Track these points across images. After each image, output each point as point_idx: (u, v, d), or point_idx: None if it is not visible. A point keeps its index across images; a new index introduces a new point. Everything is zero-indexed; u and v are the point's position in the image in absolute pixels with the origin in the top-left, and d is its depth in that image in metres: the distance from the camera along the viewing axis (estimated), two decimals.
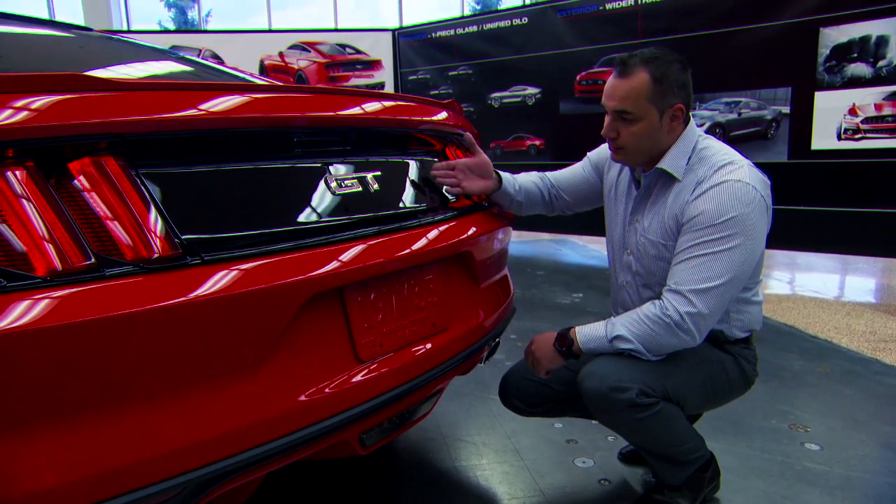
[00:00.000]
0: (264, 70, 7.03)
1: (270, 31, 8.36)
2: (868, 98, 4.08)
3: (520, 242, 6.63)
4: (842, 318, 3.76)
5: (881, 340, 3.31)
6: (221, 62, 6.07)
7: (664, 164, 1.58)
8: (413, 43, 6.74)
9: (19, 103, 0.87)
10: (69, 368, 0.86)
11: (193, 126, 1.08)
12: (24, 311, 0.81)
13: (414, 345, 1.40)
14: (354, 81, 6.96)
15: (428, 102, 1.70)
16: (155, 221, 0.97)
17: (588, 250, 6.21)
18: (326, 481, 1.96)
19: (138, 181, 0.97)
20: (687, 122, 1.60)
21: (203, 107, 1.09)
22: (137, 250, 0.94)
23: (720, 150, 1.57)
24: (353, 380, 1.22)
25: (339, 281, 1.20)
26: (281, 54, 7.03)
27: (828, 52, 4.18)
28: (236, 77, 1.87)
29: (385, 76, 6.97)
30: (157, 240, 0.96)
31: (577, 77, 5.46)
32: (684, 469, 1.68)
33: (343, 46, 7.01)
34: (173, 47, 5.29)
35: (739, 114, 4.62)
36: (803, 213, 4.42)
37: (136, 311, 0.89)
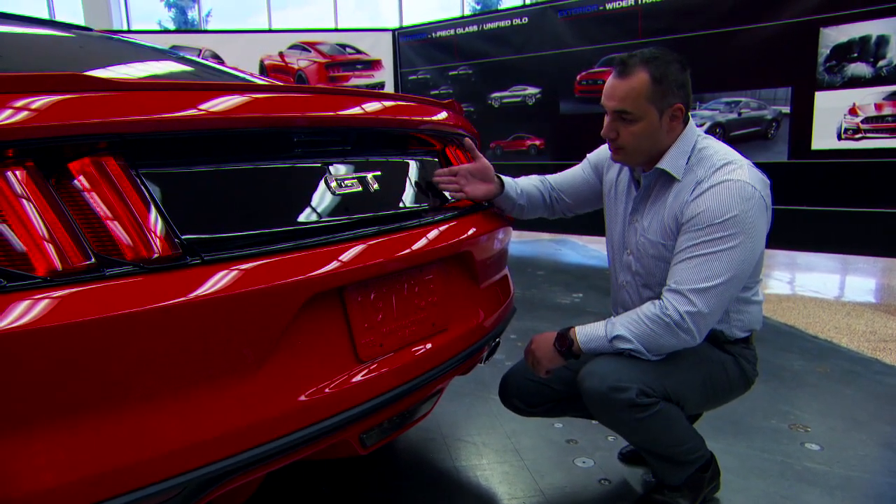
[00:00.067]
0: (264, 70, 7.03)
1: (270, 31, 8.36)
2: (868, 98, 4.08)
3: (520, 242, 6.63)
4: (842, 317, 3.76)
5: (881, 340, 3.31)
6: (221, 62, 6.07)
7: (664, 164, 1.58)
8: (413, 43, 6.74)
9: (19, 103, 0.87)
10: (69, 368, 0.86)
11: (193, 126, 1.08)
12: (25, 311, 0.81)
13: (414, 345, 1.40)
14: (354, 81, 6.96)
15: (428, 102, 1.70)
16: (155, 221, 0.97)
17: (588, 250, 6.21)
18: (326, 481, 1.96)
19: (138, 181, 0.97)
20: (686, 122, 1.60)
21: (203, 107, 1.09)
22: (137, 250, 0.94)
23: (719, 150, 1.57)
24: (354, 380, 1.22)
25: (339, 281, 1.20)
26: (281, 54, 7.03)
27: (828, 51, 4.18)
28: (236, 77, 1.87)
29: (385, 76, 6.97)
30: (157, 240, 0.96)
31: (578, 77, 5.46)
32: (684, 469, 1.68)
33: (343, 46, 7.01)
34: (173, 47, 5.29)
35: (739, 114, 4.62)
36: (803, 213, 4.42)
37: (136, 311, 0.89)
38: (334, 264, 1.18)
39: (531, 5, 5.91)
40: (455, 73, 6.40)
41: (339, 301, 1.25)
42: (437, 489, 1.93)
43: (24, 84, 0.90)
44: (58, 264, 0.86)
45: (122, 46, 1.93)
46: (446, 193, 1.68)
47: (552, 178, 1.92)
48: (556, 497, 1.84)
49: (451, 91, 6.38)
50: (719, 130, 4.64)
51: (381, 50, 6.93)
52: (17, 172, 0.86)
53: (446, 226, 1.55)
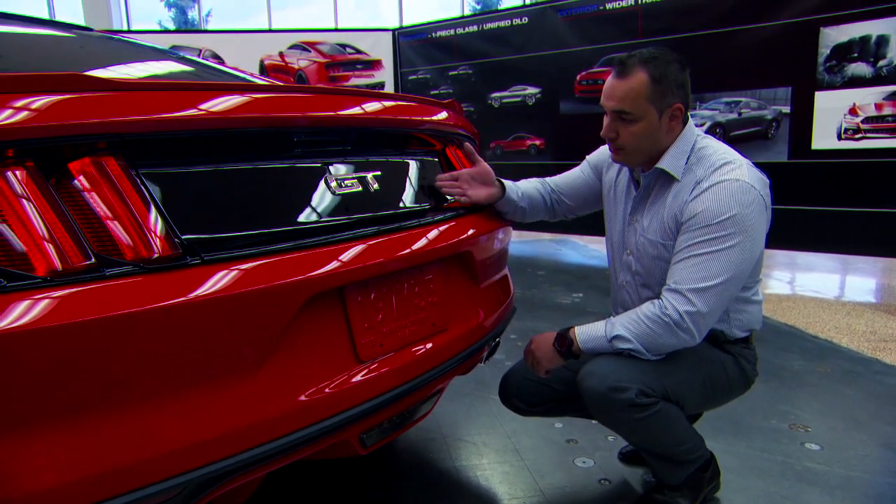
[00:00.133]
0: (264, 70, 7.03)
1: (270, 30, 8.36)
2: (868, 98, 4.08)
3: (520, 242, 6.63)
4: (842, 317, 3.76)
5: (881, 340, 3.31)
6: (222, 62, 6.07)
7: (663, 163, 1.58)
8: (413, 43, 6.74)
9: (20, 103, 0.87)
10: (69, 368, 0.86)
11: (194, 126, 1.08)
12: (25, 311, 0.81)
13: (414, 345, 1.40)
14: (354, 81, 6.96)
15: (428, 102, 1.70)
16: (155, 221, 0.97)
17: (588, 250, 6.21)
18: (326, 481, 1.96)
19: (138, 181, 0.97)
20: (685, 121, 1.60)
21: (203, 107, 1.09)
22: (137, 250, 0.94)
23: (719, 150, 1.57)
24: (354, 380, 1.22)
25: (339, 281, 1.20)
26: (281, 54, 7.03)
27: (828, 51, 4.18)
28: (236, 77, 1.87)
29: (385, 76, 6.97)
30: (157, 240, 0.96)
31: (578, 77, 5.46)
32: (684, 469, 1.68)
33: (343, 46, 7.01)
34: (173, 47, 5.30)
35: (740, 114, 4.62)
36: (803, 212, 4.42)
37: (136, 311, 0.89)
38: (334, 264, 1.18)
39: (531, 5, 5.91)
40: (455, 72, 6.40)
41: (339, 301, 1.25)
42: (437, 489, 1.93)
43: (25, 84, 0.90)
44: (58, 264, 0.86)
45: (122, 46, 1.93)
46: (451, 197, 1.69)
47: (552, 181, 1.93)
48: (556, 497, 1.84)
49: (451, 91, 6.38)
50: (719, 130, 4.64)
51: (382, 50, 6.94)
52: (17, 172, 0.86)
53: (446, 226, 1.55)
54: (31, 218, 0.85)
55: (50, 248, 0.86)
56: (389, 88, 6.95)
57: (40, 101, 0.89)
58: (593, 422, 1.76)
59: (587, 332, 1.58)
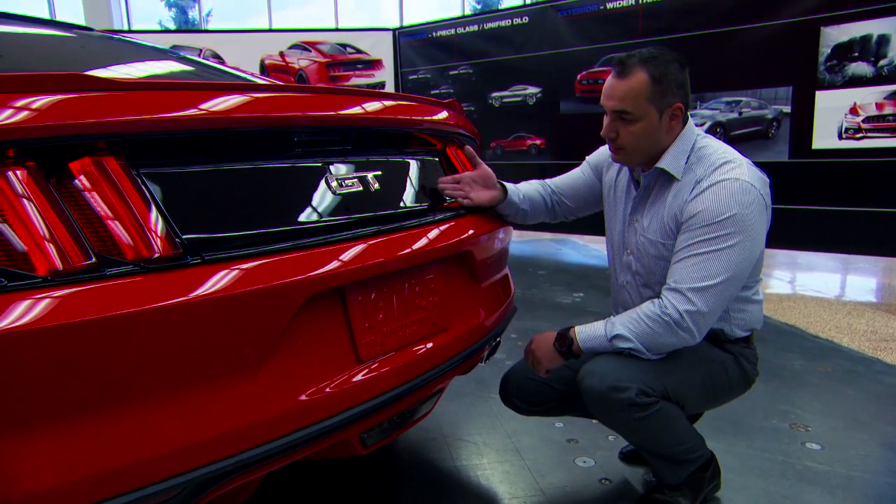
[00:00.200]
0: (265, 70, 7.03)
1: (271, 30, 8.36)
2: (869, 97, 4.08)
3: (521, 242, 6.63)
4: (843, 317, 3.76)
5: (882, 340, 3.31)
6: (222, 62, 6.07)
7: (663, 163, 1.58)
8: (413, 42, 6.74)
9: (20, 103, 0.87)
10: (69, 368, 0.86)
11: (194, 126, 1.08)
12: (25, 311, 0.81)
13: (415, 344, 1.40)
14: (355, 81, 6.96)
15: (428, 102, 1.70)
16: (155, 221, 0.97)
17: (589, 250, 6.20)
18: (326, 481, 1.96)
19: (139, 181, 0.97)
20: (685, 121, 1.60)
21: (204, 106, 1.09)
22: (138, 250, 0.94)
23: (718, 149, 1.57)
24: (354, 379, 1.22)
25: (339, 280, 1.20)
26: (282, 54, 7.03)
27: (829, 51, 4.18)
28: (237, 77, 1.87)
29: (386, 76, 6.97)
30: (158, 239, 0.96)
31: (578, 76, 5.46)
32: (684, 468, 1.68)
33: (344, 46, 7.01)
34: (174, 47, 5.29)
35: (740, 113, 4.61)
36: (804, 212, 4.41)
37: (136, 310, 0.89)
38: (335, 264, 1.18)
39: (532, 5, 5.91)
40: (455, 72, 6.40)
41: (339, 300, 1.25)
42: (437, 489, 1.93)
43: (25, 84, 0.90)
44: (58, 264, 0.86)
45: (122, 46, 1.93)
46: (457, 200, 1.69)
47: (552, 182, 1.93)
48: (556, 496, 1.84)
49: (451, 90, 6.38)
50: (720, 130, 4.64)
51: (382, 49, 6.94)
52: (18, 172, 0.86)
53: (447, 225, 1.55)
54: (31, 218, 0.85)
55: (50, 247, 0.86)
56: (390, 88, 6.95)
57: (41, 101, 0.89)
58: (594, 421, 1.76)
59: (587, 332, 1.58)
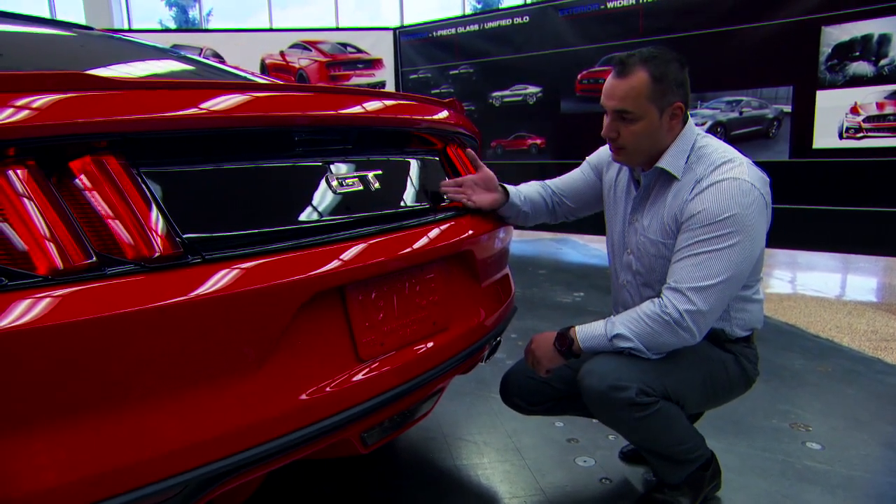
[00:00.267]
0: (265, 69, 7.03)
1: (271, 30, 8.36)
2: (870, 97, 4.08)
3: (521, 241, 6.63)
4: (843, 317, 3.75)
5: (883, 339, 3.31)
6: (223, 61, 6.07)
7: (663, 163, 1.58)
8: (414, 42, 6.74)
9: (21, 102, 0.87)
10: (70, 368, 0.86)
11: (195, 125, 1.08)
12: (25, 310, 0.81)
13: (415, 344, 1.40)
14: (355, 80, 6.96)
15: (429, 101, 1.70)
16: (156, 220, 0.97)
17: (589, 249, 6.20)
18: (327, 481, 1.96)
19: (139, 180, 0.97)
20: (685, 120, 1.60)
21: (204, 106, 1.09)
22: (138, 249, 0.94)
23: (719, 149, 1.57)
24: (354, 379, 1.22)
25: (339, 280, 1.20)
26: (282, 53, 7.03)
27: (829, 50, 4.17)
28: (237, 76, 1.87)
29: (386, 75, 6.97)
30: (158, 239, 0.96)
31: (579, 76, 5.45)
32: (684, 468, 1.68)
33: (344, 45, 7.01)
34: (174, 46, 5.30)
35: (741, 113, 4.61)
36: (805, 212, 4.41)
37: (136, 310, 0.89)
38: (335, 263, 1.18)
39: (532, 4, 5.90)
40: (456, 72, 6.40)
41: (339, 300, 1.25)
42: (437, 488, 1.93)
43: (26, 83, 0.90)
44: (59, 263, 0.86)
45: (123, 45, 1.93)
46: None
47: (552, 183, 1.93)
48: (557, 496, 1.84)
49: (452, 90, 6.38)
50: (720, 129, 4.64)
51: (382, 49, 6.93)
52: (19, 171, 0.86)
53: (447, 225, 1.55)
54: (32, 217, 0.85)
55: (51, 246, 0.86)
56: (390, 87, 6.95)
57: (41, 100, 0.89)
58: (594, 421, 1.76)
59: (587, 332, 1.58)
